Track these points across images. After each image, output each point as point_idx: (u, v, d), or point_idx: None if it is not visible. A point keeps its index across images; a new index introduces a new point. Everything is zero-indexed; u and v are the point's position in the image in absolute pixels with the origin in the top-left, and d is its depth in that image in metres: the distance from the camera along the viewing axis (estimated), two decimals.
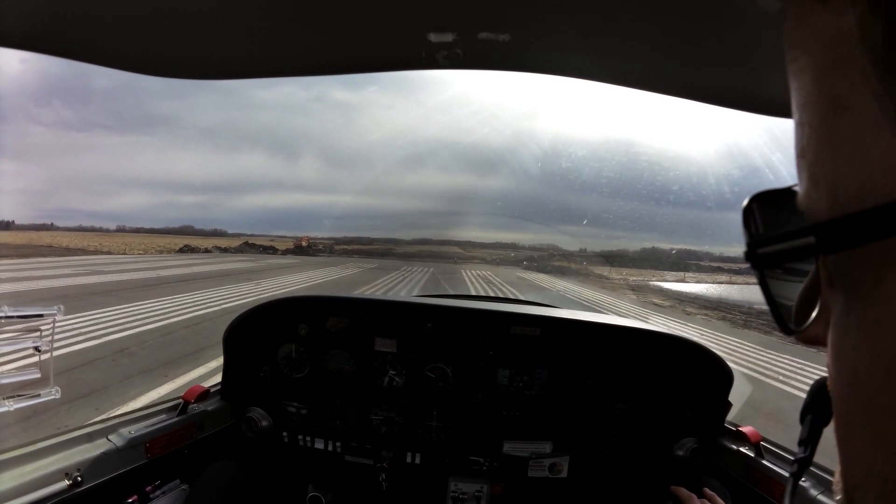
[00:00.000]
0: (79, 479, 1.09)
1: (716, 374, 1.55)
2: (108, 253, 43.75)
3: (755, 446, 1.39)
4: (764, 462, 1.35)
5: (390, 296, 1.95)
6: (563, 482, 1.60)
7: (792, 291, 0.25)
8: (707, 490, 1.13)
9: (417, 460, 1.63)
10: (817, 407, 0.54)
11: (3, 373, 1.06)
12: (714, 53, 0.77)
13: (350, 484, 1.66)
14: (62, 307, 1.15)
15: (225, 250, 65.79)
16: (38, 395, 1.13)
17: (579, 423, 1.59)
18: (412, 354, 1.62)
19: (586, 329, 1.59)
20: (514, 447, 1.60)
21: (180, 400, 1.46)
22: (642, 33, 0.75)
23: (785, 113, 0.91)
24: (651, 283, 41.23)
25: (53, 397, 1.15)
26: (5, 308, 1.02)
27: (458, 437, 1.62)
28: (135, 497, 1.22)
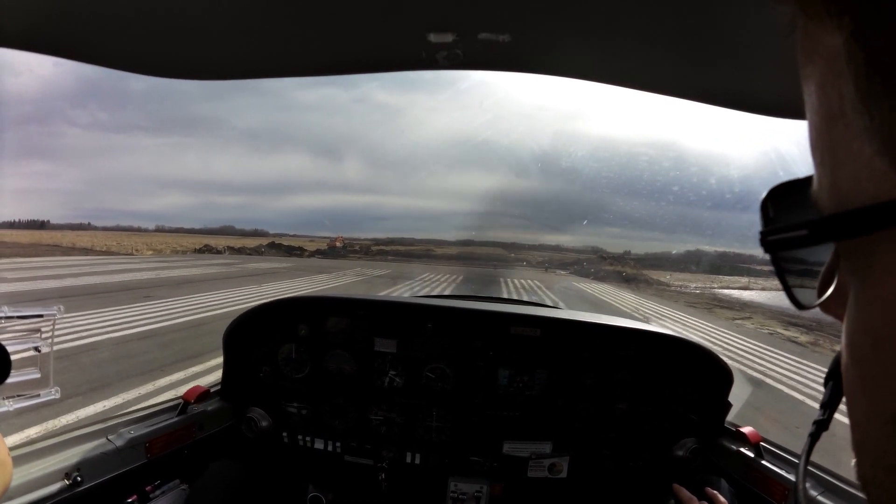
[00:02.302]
0: (79, 479, 1.09)
1: (716, 374, 1.55)
2: (115, 254, 42.37)
3: (755, 447, 1.39)
4: (764, 462, 1.35)
5: (391, 296, 1.95)
6: (562, 482, 1.60)
7: (805, 272, 0.30)
8: (709, 490, 1.13)
9: (417, 460, 1.62)
10: (839, 374, 0.56)
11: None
12: (715, 54, 0.77)
13: (350, 484, 1.66)
14: (62, 307, 1.15)
15: (239, 251, 63.78)
16: (38, 395, 1.13)
17: (579, 424, 1.59)
18: (412, 355, 1.62)
19: (586, 330, 1.59)
20: (514, 447, 1.60)
21: (180, 400, 1.46)
22: (643, 34, 0.75)
23: (785, 113, 0.91)
24: (716, 290, 34.65)
25: (53, 397, 1.15)
26: (5, 308, 1.02)
27: (458, 438, 1.62)
28: (135, 497, 1.22)
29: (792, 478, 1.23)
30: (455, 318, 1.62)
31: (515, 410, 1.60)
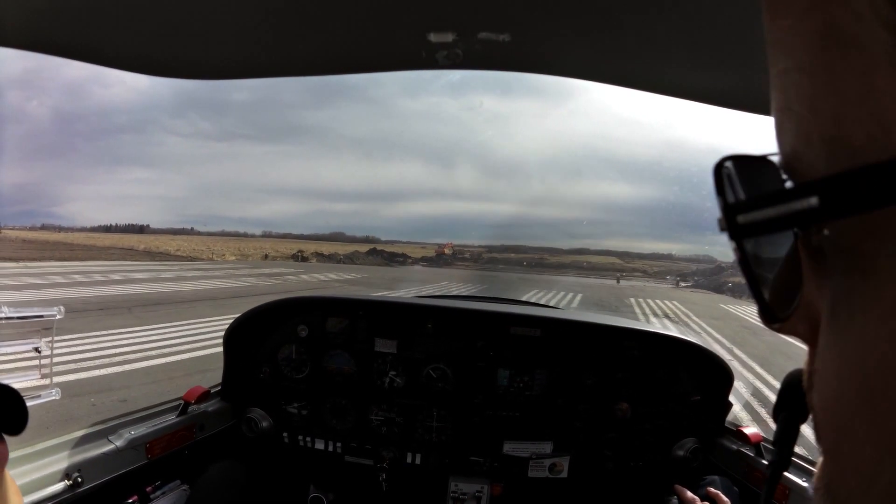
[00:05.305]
0: (79, 479, 1.09)
1: (716, 374, 1.55)
2: (195, 259, 40.68)
3: (755, 446, 1.39)
4: (764, 462, 1.34)
5: (391, 296, 1.95)
6: (563, 482, 1.60)
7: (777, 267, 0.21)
8: (710, 490, 1.13)
9: (418, 461, 1.62)
10: (792, 403, 0.47)
11: (2, 374, 1.06)
12: (715, 54, 0.77)
13: (351, 484, 1.66)
14: (62, 308, 1.15)
15: (329, 258, 61.31)
16: (39, 396, 1.13)
17: (580, 424, 1.59)
18: (412, 355, 1.61)
19: (586, 330, 1.59)
20: (515, 447, 1.60)
21: (181, 401, 1.45)
22: (643, 34, 0.75)
23: None
24: None
25: (54, 398, 1.15)
26: (5, 309, 1.02)
27: (459, 438, 1.62)
28: (135, 498, 1.22)
29: (793, 477, 1.22)
30: (455, 318, 1.62)
31: (516, 410, 1.59)
